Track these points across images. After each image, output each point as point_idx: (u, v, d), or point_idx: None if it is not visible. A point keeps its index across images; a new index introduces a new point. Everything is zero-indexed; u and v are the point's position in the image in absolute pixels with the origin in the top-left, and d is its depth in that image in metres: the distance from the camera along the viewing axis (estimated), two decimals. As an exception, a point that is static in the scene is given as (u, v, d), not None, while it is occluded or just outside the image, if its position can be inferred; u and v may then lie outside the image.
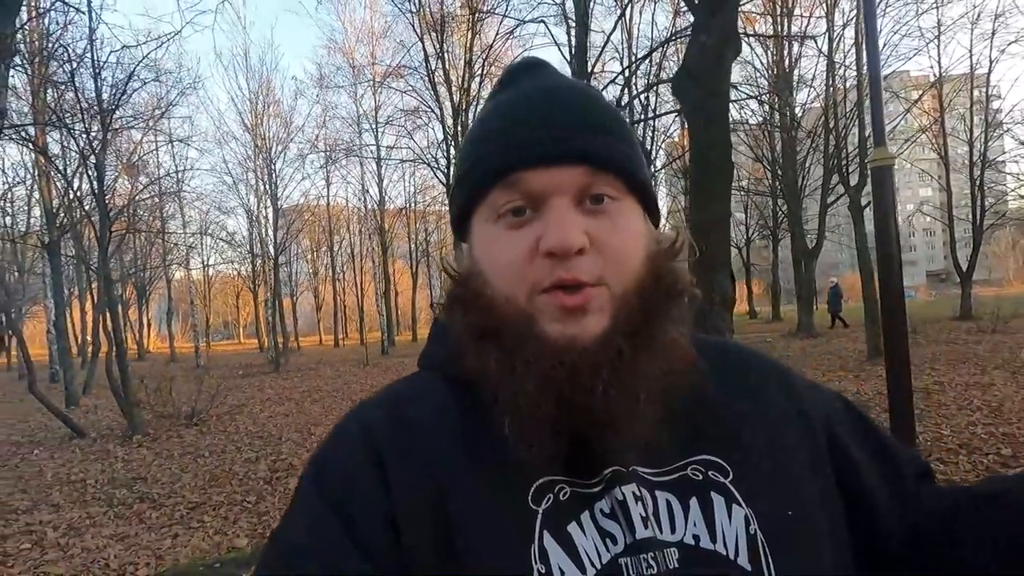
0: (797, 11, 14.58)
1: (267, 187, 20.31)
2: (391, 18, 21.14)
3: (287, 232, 22.01)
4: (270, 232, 20.34)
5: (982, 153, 17.35)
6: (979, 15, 16.45)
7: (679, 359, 0.48)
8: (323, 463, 0.49)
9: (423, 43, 10.96)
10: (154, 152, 19.01)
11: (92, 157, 7.82)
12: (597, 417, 0.44)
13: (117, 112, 8.67)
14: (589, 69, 8.08)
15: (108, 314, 8.11)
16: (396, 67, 12.51)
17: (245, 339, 47.80)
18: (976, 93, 17.13)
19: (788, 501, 0.48)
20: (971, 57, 16.56)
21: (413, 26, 11.28)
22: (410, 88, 13.27)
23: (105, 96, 8.02)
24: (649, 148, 11.53)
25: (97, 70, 7.67)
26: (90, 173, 8.09)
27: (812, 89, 14.90)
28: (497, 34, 11.48)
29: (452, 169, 11.62)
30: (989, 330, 12.95)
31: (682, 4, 12.94)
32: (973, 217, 17.01)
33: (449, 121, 11.10)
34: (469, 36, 11.03)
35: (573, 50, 9.24)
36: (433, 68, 11.08)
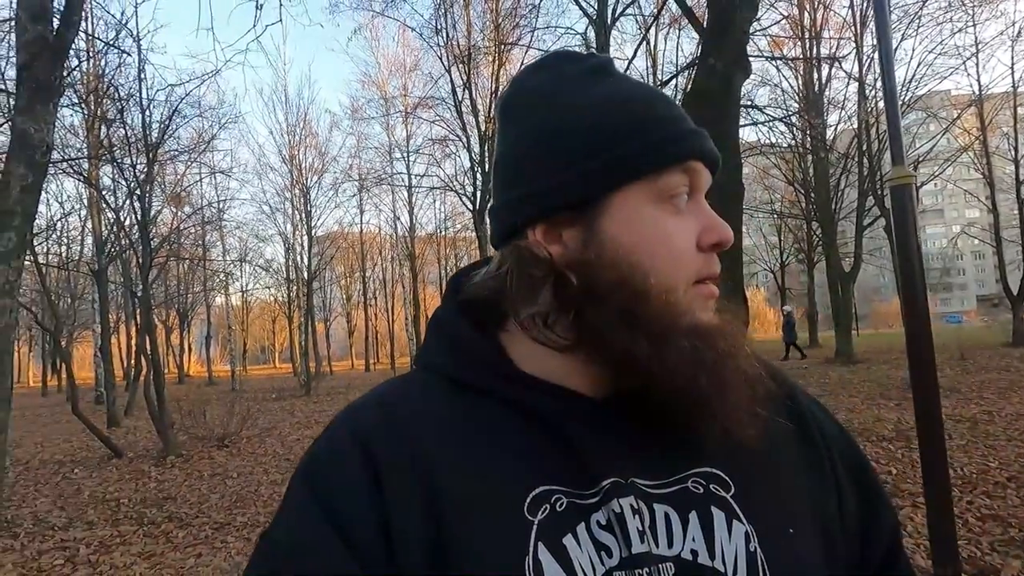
0: (826, 34, 14.47)
1: (302, 215, 21.00)
2: (421, 52, 21.86)
3: (321, 258, 22.60)
4: (305, 259, 20.95)
5: (1030, 172, 16.64)
6: (1019, 32, 15.96)
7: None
8: (314, 464, 0.48)
9: (450, 75, 11.33)
10: (197, 183, 19.98)
11: (137, 189, 8.27)
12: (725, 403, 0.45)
13: (163, 146, 9.17)
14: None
15: (148, 338, 8.44)
16: (425, 98, 12.94)
17: (280, 363, 48.78)
18: (1021, 111, 16.53)
19: (789, 519, 0.47)
20: (1012, 74, 16.08)
21: (441, 59, 11.68)
22: (439, 118, 13.69)
23: (152, 131, 8.54)
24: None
25: (144, 107, 8.18)
26: (135, 204, 8.54)
27: (844, 111, 14.66)
28: (523, 64, 11.78)
29: (478, 195, 11.85)
30: (1044, 357, 12.22)
31: (707, 30, 12.99)
32: (1023, 239, 16.25)
33: (476, 149, 11.33)
34: (496, 67, 11.32)
35: (597, 78, 9.28)
36: (460, 98, 11.42)
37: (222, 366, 40.51)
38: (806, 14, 14.28)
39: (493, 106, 12.00)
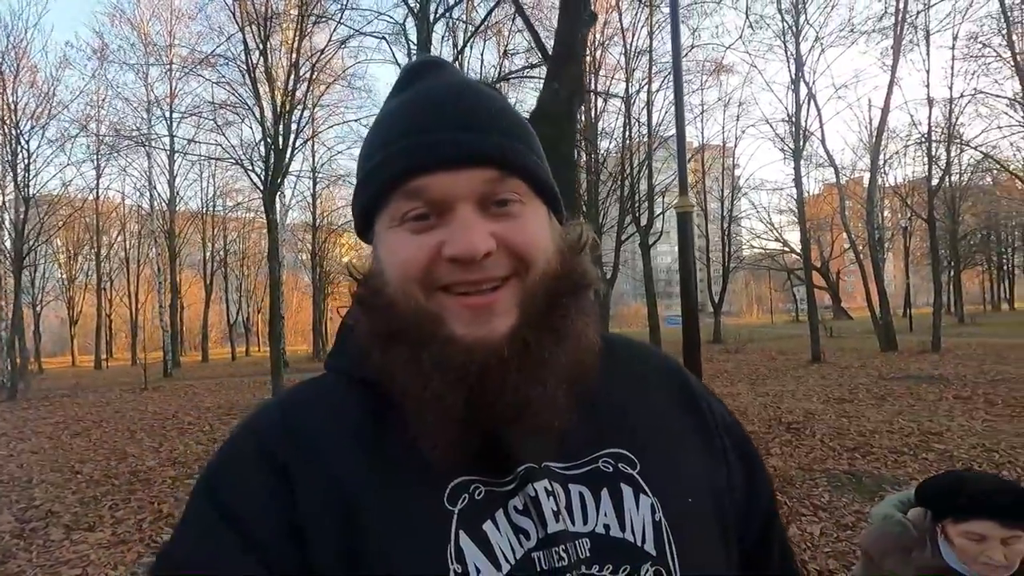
0: (603, 71, 16.84)
1: (9, 169, 16.26)
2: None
3: (38, 228, 17.83)
4: (8, 226, 16.26)
5: (729, 210, 21.97)
6: (729, 100, 20.96)
7: (585, 349, 0.49)
8: (216, 473, 0.47)
9: (244, 34, 10.01)
10: None
11: None
12: (506, 411, 0.44)
13: None
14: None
15: None
16: (209, 55, 11.19)
17: (-46, 360, 36.80)
18: (728, 162, 21.67)
19: (687, 490, 0.51)
20: (723, 133, 20.98)
21: (234, 13, 10.23)
22: (223, 79, 11.94)
23: None
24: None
25: None
26: None
27: (613, 140, 17.23)
28: (330, 40, 11.05)
29: (269, 175, 10.73)
30: (733, 351, 16.28)
31: (510, 47, 13.98)
32: (723, 260, 21.32)
33: (270, 124, 10.24)
34: (296, 39, 10.37)
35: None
36: (254, 63, 10.16)
37: None
38: (588, 51, 16.40)
39: (291, 79, 11.02)
